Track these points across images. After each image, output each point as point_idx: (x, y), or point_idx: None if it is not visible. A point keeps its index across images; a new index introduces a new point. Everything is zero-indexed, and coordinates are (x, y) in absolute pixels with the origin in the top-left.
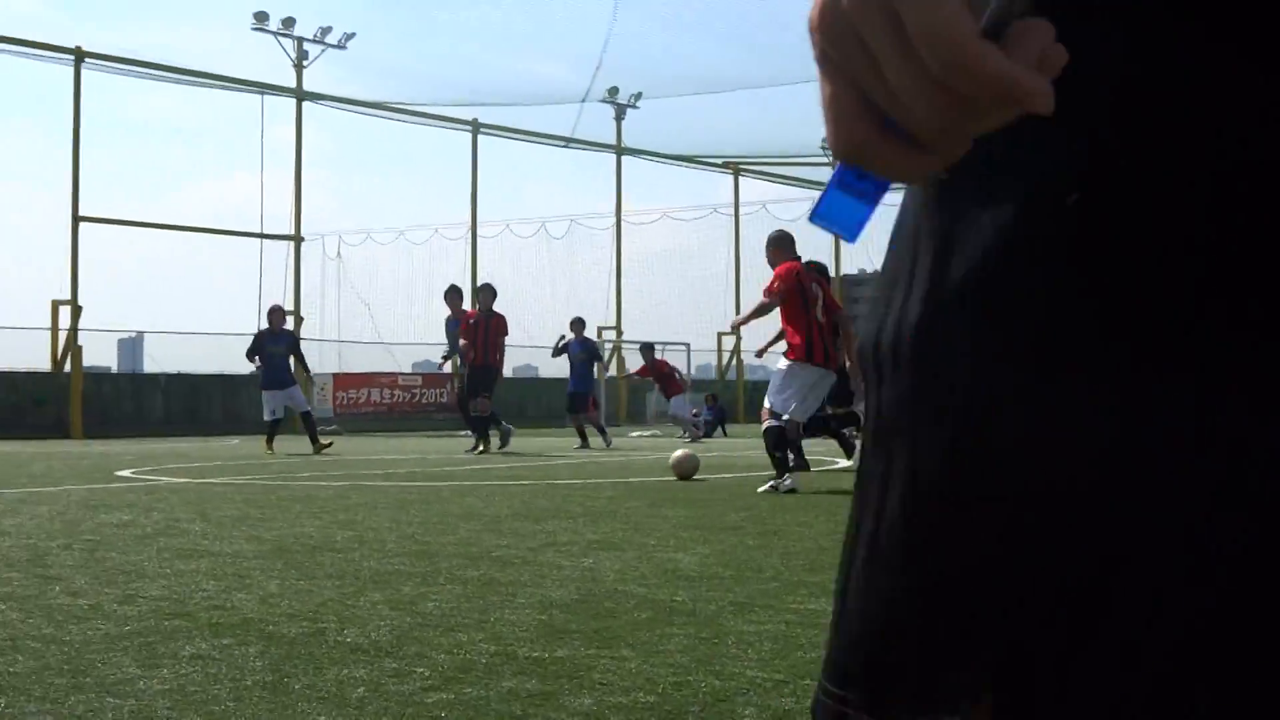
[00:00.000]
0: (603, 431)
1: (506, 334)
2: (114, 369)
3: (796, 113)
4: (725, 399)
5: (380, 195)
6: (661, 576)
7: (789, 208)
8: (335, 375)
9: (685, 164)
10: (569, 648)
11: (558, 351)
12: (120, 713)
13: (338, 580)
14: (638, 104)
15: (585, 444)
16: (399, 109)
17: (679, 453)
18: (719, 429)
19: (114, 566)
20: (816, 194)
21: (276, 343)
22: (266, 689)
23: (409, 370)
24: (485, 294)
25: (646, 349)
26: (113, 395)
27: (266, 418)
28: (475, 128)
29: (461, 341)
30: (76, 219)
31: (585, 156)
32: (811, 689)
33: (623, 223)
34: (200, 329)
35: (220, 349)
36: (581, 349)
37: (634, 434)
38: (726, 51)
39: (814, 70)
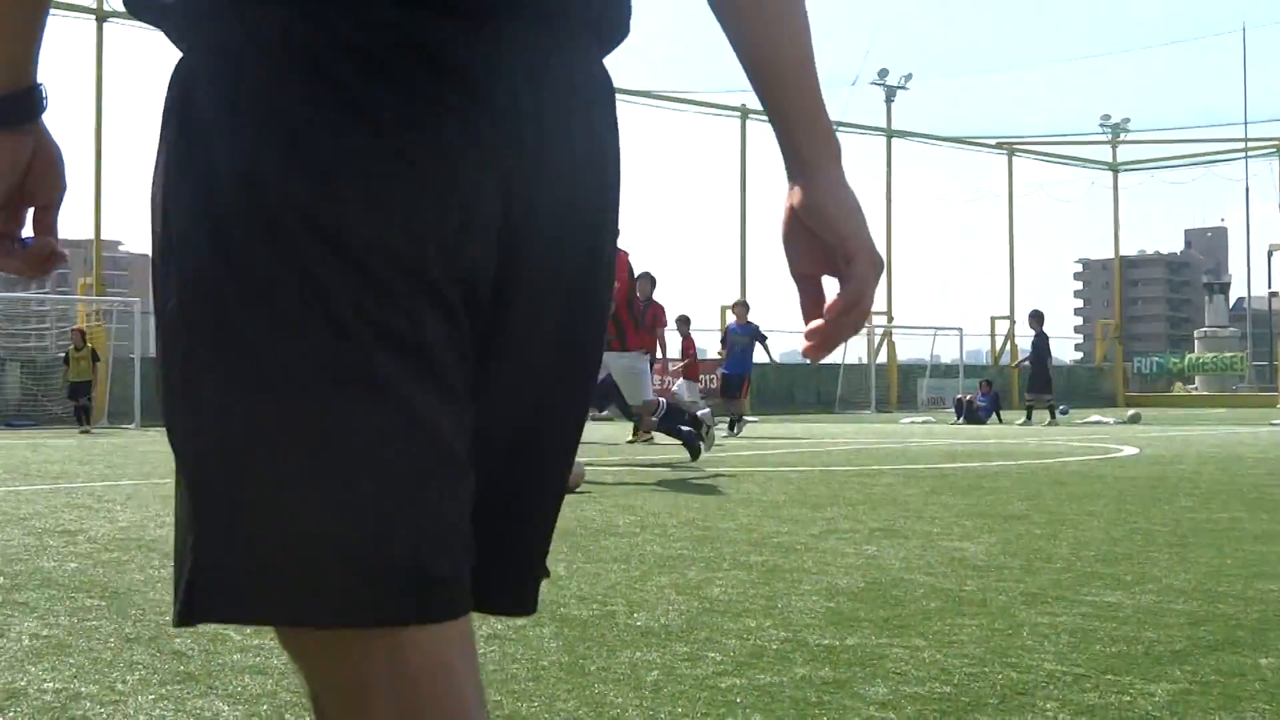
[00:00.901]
0: (739, 421)
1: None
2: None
3: (1071, 91)
4: (999, 385)
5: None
6: (948, 565)
7: (1066, 188)
8: None
9: (957, 145)
10: (859, 636)
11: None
12: None
13: (623, 564)
14: (908, 85)
15: (737, 430)
16: (664, 96)
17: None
18: (994, 415)
19: None
20: (1095, 174)
21: (742, 332)
22: (563, 669)
23: None
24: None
25: (682, 322)
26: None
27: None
28: (744, 113)
29: None
30: (99, 195)
31: (855, 140)
32: (1116, 684)
33: (893, 206)
34: None
35: None
36: (743, 332)
37: (905, 420)
38: (998, 30)
39: (1092, 48)
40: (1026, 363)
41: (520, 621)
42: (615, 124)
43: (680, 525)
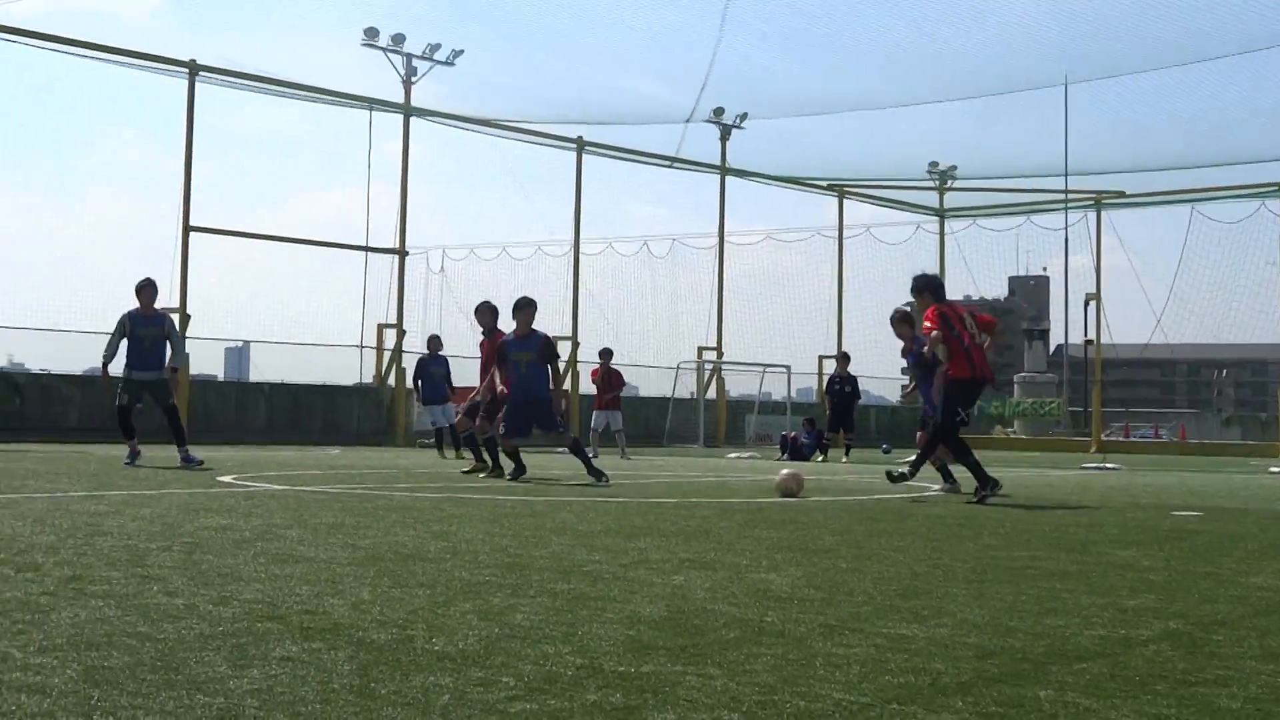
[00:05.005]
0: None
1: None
2: (220, 377)
3: (903, 135)
4: (823, 423)
5: (484, 210)
6: (752, 596)
7: (894, 231)
8: None
9: (789, 185)
10: (655, 663)
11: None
12: (209, 710)
13: (429, 589)
14: (743, 124)
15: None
16: (505, 125)
17: (785, 472)
18: (816, 452)
19: (211, 569)
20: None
21: (437, 365)
22: (353, 692)
23: None
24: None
25: (605, 353)
26: (218, 403)
27: (429, 427)
28: (580, 145)
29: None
30: (187, 229)
31: (689, 176)
32: (900, 713)
33: (725, 243)
34: (305, 340)
35: (323, 360)
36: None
37: (731, 455)
38: (833, 73)
39: (922, 94)
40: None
41: (315, 644)
42: None
43: (492, 552)
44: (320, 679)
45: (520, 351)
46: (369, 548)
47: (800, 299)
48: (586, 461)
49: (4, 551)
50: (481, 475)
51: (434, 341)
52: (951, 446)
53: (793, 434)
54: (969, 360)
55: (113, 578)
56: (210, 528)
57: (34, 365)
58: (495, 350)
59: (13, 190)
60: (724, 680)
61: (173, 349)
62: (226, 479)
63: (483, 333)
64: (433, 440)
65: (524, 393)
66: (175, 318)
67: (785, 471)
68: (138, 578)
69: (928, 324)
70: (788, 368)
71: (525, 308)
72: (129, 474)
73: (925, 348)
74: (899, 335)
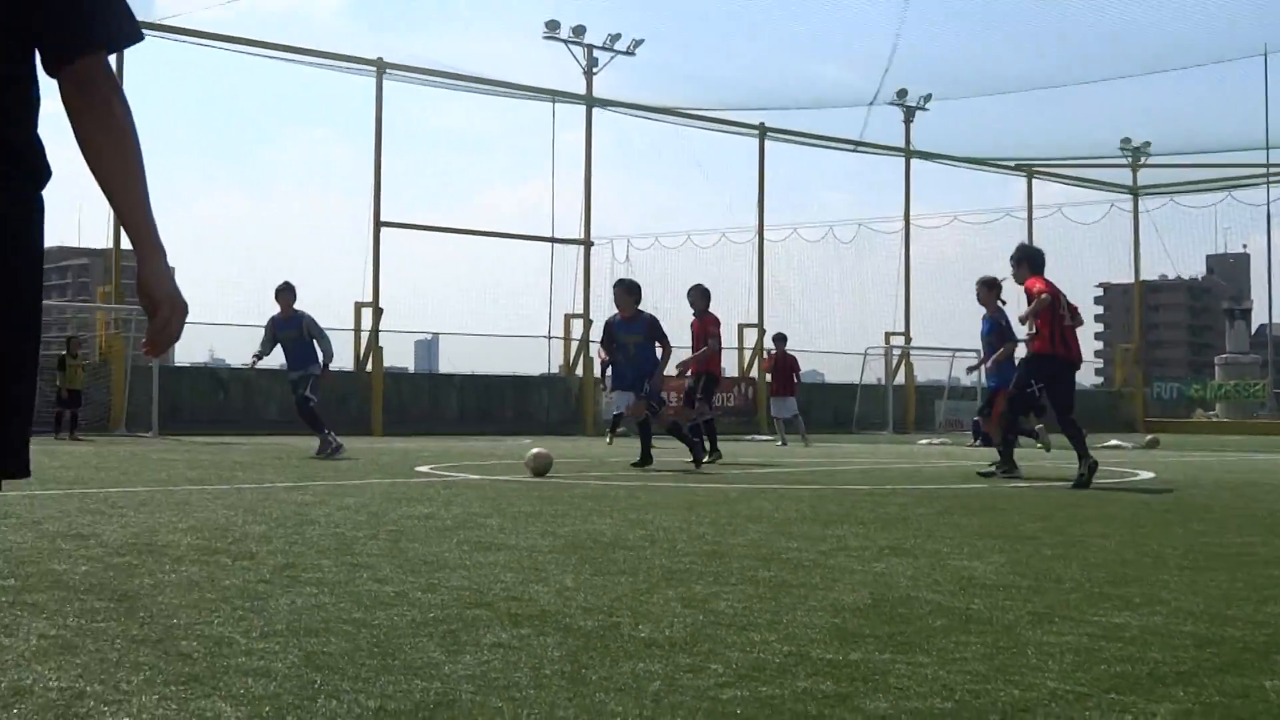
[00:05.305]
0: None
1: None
2: (410, 369)
3: (1092, 113)
4: None
5: (668, 199)
6: (956, 584)
7: (1086, 210)
8: None
9: (976, 166)
10: (863, 651)
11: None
12: (427, 694)
13: (631, 576)
14: (927, 106)
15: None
16: (687, 114)
17: (533, 450)
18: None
19: (416, 556)
20: (1115, 197)
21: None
22: (565, 678)
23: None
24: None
25: (778, 339)
26: (410, 394)
27: (613, 413)
28: (762, 132)
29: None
30: (378, 224)
31: (874, 160)
32: (1118, 703)
33: (912, 227)
34: (492, 331)
35: (511, 351)
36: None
37: (921, 441)
38: (1019, 51)
39: (1112, 68)
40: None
41: (524, 630)
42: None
43: (690, 540)
44: (532, 664)
45: (628, 334)
46: (568, 535)
47: None
48: (687, 442)
49: (220, 540)
50: (705, 462)
51: None
52: (1006, 420)
53: (977, 418)
54: (1063, 339)
55: (324, 565)
56: (413, 516)
57: (234, 360)
58: (700, 330)
59: (213, 190)
60: (934, 668)
61: (320, 347)
62: (424, 469)
63: (694, 314)
64: (621, 428)
65: (634, 373)
66: (313, 315)
67: (534, 450)
68: (348, 565)
69: (1039, 286)
70: (978, 352)
71: (630, 291)
72: (329, 465)
73: (1027, 312)
74: (982, 302)
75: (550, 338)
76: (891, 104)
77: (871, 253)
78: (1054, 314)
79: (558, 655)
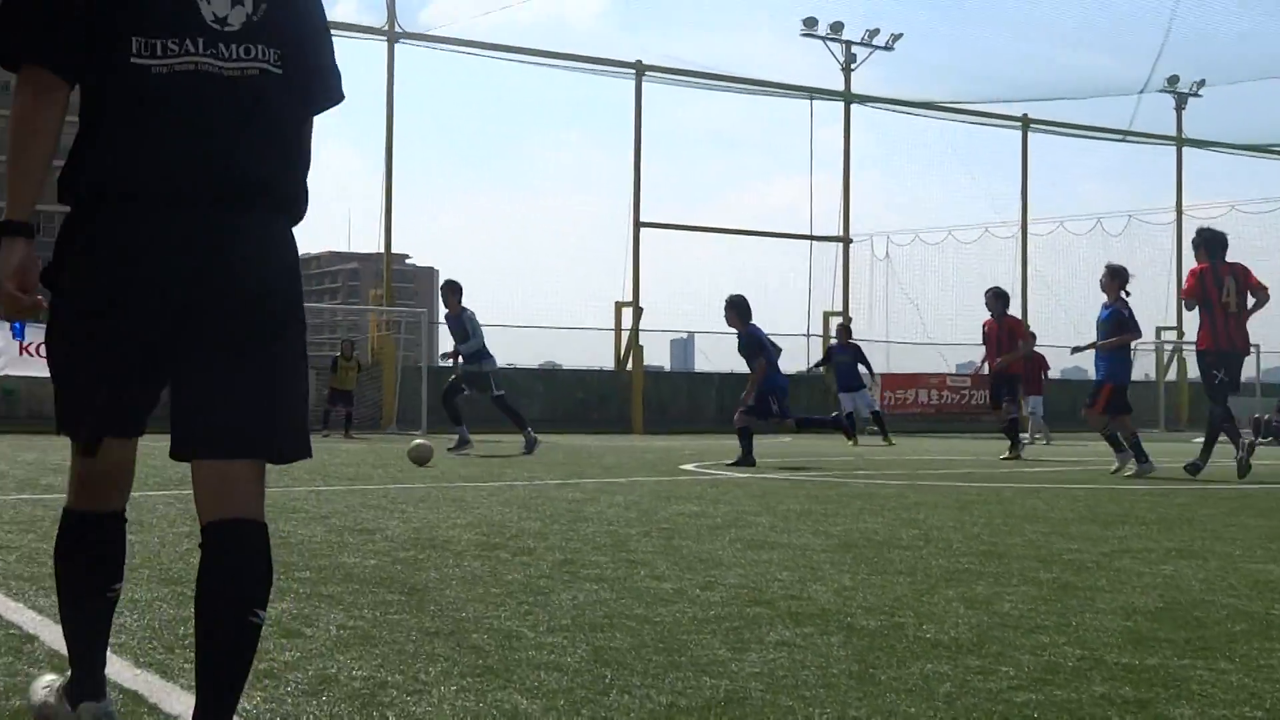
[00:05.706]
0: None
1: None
2: (667, 368)
3: None
4: None
5: (928, 194)
6: (1253, 588)
7: None
8: (883, 375)
9: (1253, 154)
10: (1160, 656)
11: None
12: (716, 691)
13: (909, 576)
14: (1199, 92)
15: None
16: (946, 107)
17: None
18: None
19: (691, 554)
20: None
21: (843, 353)
22: (853, 678)
23: (954, 371)
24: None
25: (1030, 338)
26: (670, 393)
27: (845, 414)
28: (1025, 123)
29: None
30: (637, 224)
31: (1143, 149)
32: None
33: (1184, 218)
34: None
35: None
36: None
37: (1197, 439)
38: None
39: None
40: None
41: (807, 629)
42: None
43: (965, 540)
44: (818, 664)
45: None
46: (841, 534)
47: (1271, 273)
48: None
49: (499, 536)
50: (1005, 456)
51: (842, 331)
52: (1216, 415)
53: (1265, 415)
54: (1213, 330)
55: (601, 562)
56: (683, 514)
57: (500, 360)
58: (992, 333)
59: (475, 195)
60: (1239, 676)
61: (469, 341)
62: (688, 466)
63: (991, 315)
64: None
65: (781, 379)
66: (474, 311)
67: (416, 442)
68: (624, 562)
69: (1188, 284)
70: (1256, 347)
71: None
72: (594, 463)
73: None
74: (1105, 290)
75: (809, 335)
76: (1162, 91)
77: (1143, 244)
78: (1206, 307)
79: (844, 655)
